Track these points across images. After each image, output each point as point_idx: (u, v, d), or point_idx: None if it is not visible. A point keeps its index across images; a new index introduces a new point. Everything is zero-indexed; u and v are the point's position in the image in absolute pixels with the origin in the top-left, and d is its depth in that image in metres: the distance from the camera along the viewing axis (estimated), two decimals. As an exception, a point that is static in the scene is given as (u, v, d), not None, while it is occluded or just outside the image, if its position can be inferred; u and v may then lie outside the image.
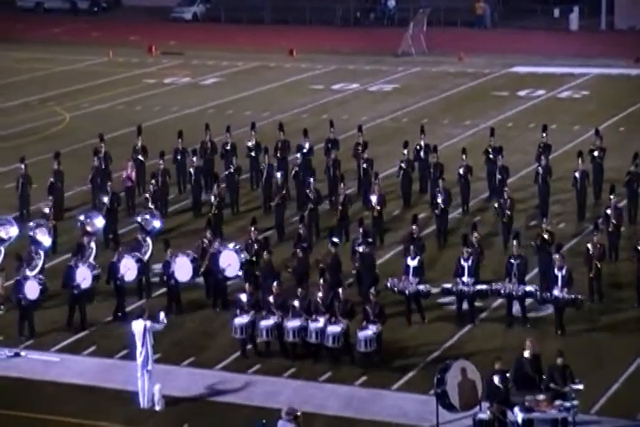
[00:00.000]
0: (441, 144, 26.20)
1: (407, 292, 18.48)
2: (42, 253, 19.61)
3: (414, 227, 20.14)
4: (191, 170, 24.03)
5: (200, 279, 19.34)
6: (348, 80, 38.05)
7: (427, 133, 25.27)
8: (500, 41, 43.95)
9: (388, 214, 22.91)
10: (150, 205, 22.09)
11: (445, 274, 19.25)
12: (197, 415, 15.27)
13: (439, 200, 21.90)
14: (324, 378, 16.81)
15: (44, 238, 20.45)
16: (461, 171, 23.40)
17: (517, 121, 30.87)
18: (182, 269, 18.84)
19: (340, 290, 17.59)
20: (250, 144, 25.04)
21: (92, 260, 19.47)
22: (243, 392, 16.17)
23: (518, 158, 25.88)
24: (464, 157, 23.44)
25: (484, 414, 14.57)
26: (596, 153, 23.99)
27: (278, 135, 25.24)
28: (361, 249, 19.57)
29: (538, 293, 18.39)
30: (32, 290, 18.21)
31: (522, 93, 35.12)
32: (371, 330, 16.79)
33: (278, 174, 22.95)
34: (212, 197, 22.19)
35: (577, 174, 22.98)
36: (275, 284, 17.38)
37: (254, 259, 19.28)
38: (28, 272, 18.50)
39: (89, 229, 20.95)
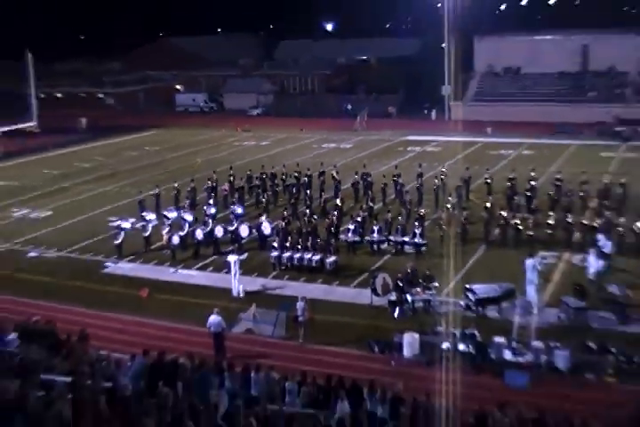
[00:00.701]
0: (373, 171, 40.27)
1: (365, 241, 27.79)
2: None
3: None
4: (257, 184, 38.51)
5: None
6: (330, 142, 58.65)
7: (366, 166, 40.56)
8: (400, 124, 66.39)
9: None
10: (237, 203, 34.70)
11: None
12: (258, 300, 22.27)
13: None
14: (317, 282, 24.81)
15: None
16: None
17: (407, 162, 46.92)
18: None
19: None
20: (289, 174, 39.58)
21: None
22: (279, 289, 24.10)
23: (408, 180, 38.28)
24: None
25: (393, 297, 21.39)
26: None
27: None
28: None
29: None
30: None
31: (409, 149, 54.18)
32: (334, 257, 26.07)
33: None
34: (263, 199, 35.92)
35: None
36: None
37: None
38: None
39: (212, 211, 33.01)
